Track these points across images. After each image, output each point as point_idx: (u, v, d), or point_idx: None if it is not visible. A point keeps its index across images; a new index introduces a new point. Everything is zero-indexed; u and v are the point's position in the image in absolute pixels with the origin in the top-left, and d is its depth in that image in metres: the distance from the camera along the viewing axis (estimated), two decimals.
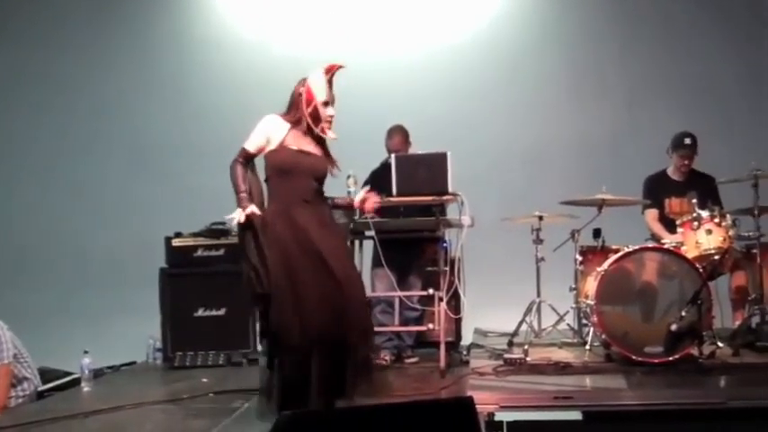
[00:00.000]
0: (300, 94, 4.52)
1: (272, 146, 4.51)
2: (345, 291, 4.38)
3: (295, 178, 4.49)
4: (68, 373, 6.14)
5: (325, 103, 4.51)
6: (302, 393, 4.29)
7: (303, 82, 4.54)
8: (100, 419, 4.91)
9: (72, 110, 8.42)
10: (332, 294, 4.35)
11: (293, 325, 4.32)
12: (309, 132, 4.54)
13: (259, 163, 4.62)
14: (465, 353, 6.29)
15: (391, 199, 5.75)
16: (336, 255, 4.45)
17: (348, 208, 5.01)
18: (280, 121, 4.53)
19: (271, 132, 4.52)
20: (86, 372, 5.88)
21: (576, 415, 4.74)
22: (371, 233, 5.81)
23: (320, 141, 4.59)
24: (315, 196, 4.55)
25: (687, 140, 6.45)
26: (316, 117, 4.51)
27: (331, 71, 4.55)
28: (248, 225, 4.44)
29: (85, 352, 5.86)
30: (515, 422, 4.65)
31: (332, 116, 4.54)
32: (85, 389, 5.83)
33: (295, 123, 4.53)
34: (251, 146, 4.54)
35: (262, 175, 4.62)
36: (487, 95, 8.08)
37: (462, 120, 7.97)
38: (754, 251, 5.92)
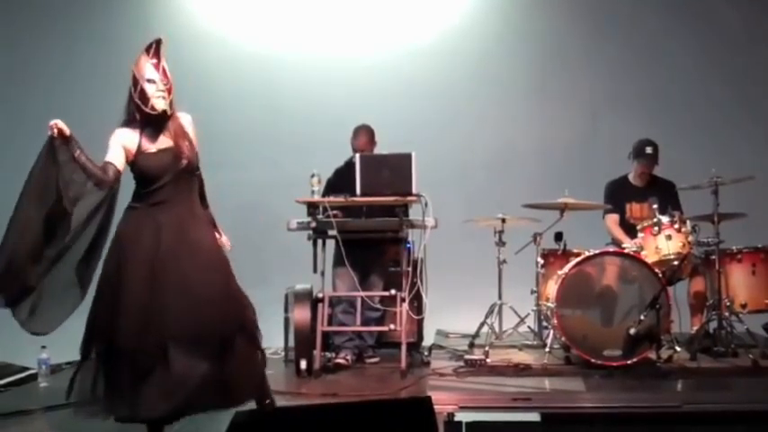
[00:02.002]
0: (129, 89, 4.22)
1: (131, 155, 4.20)
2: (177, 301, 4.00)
3: (159, 181, 4.17)
4: (26, 369, 6.07)
5: (150, 81, 4.18)
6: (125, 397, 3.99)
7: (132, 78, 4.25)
8: (55, 416, 4.85)
9: (44, 107, 8.25)
10: (153, 307, 4.00)
11: (107, 327, 4.07)
12: (157, 126, 4.21)
13: None
14: (426, 353, 6.28)
15: (355, 198, 5.76)
16: (185, 269, 4.06)
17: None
18: (127, 132, 4.21)
19: (125, 142, 4.19)
20: (44, 367, 5.79)
21: (534, 416, 4.79)
22: (334, 232, 5.82)
23: (173, 130, 4.23)
24: (177, 195, 4.19)
25: (648, 149, 6.46)
26: (144, 98, 4.17)
27: (150, 49, 4.25)
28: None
29: (43, 347, 5.75)
30: (474, 423, 4.68)
31: (161, 90, 4.18)
32: (42, 384, 5.75)
33: (139, 123, 4.21)
34: (114, 160, 4.16)
35: None
36: (453, 98, 8.08)
37: (428, 121, 7.96)
38: (713, 257, 5.98)
